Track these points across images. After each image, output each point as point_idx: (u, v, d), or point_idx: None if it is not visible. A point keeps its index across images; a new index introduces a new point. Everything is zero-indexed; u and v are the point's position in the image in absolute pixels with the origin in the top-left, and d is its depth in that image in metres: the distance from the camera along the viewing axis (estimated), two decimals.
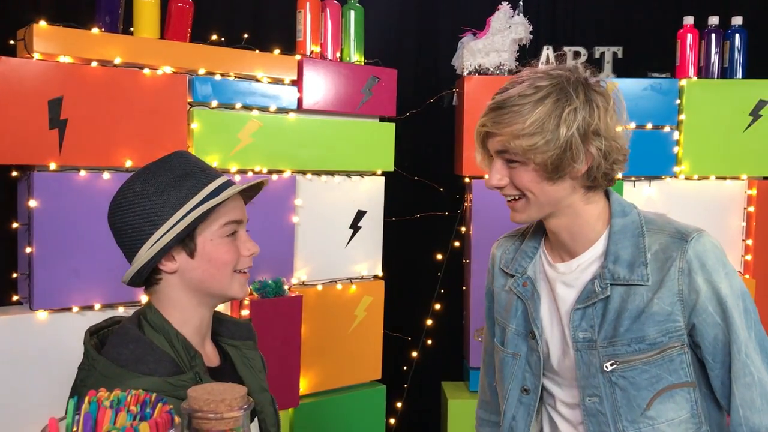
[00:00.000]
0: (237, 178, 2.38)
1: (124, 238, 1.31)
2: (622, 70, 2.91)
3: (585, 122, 1.24)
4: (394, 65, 2.82)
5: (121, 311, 2.17)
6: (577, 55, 2.90)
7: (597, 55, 2.91)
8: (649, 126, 2.87)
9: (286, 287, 2.48)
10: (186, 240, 1.28)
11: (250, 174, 2.42)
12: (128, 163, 2.15)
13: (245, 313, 2.37)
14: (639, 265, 1.29)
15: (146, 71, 2.19)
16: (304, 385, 2.61)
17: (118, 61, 2.13)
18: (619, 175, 2.77)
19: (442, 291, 3.06)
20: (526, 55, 2.94)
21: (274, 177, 2.48)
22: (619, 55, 2.91)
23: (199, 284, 1.33)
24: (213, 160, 2.32)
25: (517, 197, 1.32)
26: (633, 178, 2.89)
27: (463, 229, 3.01)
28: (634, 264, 1.30)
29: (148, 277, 1.34)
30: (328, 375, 2.69)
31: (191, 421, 0.79)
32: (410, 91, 3.16)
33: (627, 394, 1.29)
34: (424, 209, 3.16)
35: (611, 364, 1.29)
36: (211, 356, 1.42)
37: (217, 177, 1.33)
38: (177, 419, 0.69)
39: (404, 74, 2.97)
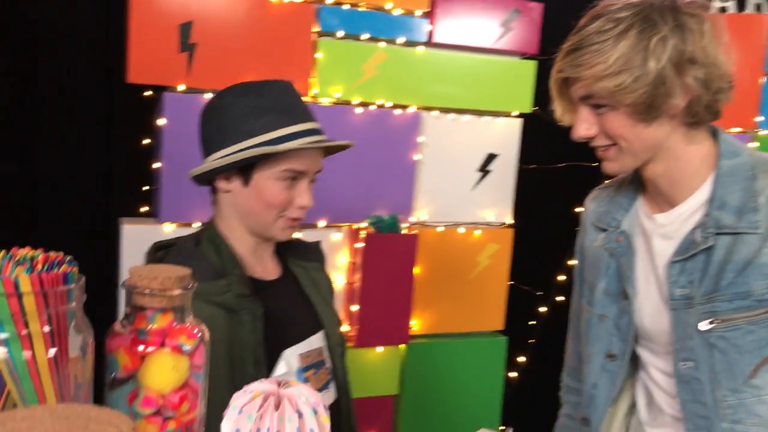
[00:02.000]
0: (358, 110, 2.37)
1: (201, 142, 1.39)
2: None
3: (677, 50, 1.08)
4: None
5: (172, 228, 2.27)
6: None
7: None
8: None
9: (401, 225, 2.46)
10: (244, 168, 1.31)
11: (372, 107, 2.40)
12: None
13: (360, 245, 2.39)
14: (749, 211, 1.12)
15: (273, 0, 2.24)
16: (419, 326, 2.59)
17: None
18: None
19: None
20: None
21: (397, 112, 2.44)
22: None
23: (244, 214, 1.36)
24: (336, 91, 2.33)
25: (608, 146, 1.18)
26: None
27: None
28: (743, 210, 1.12)
29: (212, 187, 1.40)
30: (445, 319, 2.64)
31: (131, 297, 0.80)
32: (561, 29, 2.93)
33: (727, 358, 1.13)
34: (568, 158, 2.95)
35: (710, 323, 1.13)
36: (270, 271, 1.45)
37: (299, 121, 1.33)
38: (81, 279, 0.69)
39: (552, 8, 2.76)
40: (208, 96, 2.19)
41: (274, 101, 1.31)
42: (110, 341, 0.78)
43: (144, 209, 2.32)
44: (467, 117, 2.56)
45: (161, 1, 2.11)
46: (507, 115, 2.64)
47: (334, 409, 1.50)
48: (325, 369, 1.48)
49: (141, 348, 0.77)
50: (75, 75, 2.26)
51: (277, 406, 0.79)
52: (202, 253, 1.35)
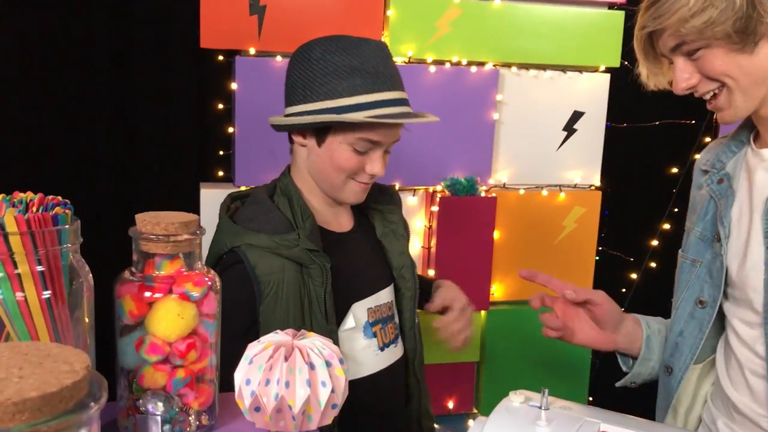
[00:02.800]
0: (432, 69, 2.29)
1: (285, 86, 1.38)
2: None
3: None
4: None
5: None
6: None
7: None
8: None
9: (480, 187, 2.37)
10: (320, 130, 1.30)
11: (447, 65, 2.31)
12: None
13: (435, 209, 2.33)
14: None
15: None
16: (500, 292, 2.50)
17: None
18: None
19: (676, 210, 2.67)
20: None
21: (474, 69, 2.34)
22: None
23: (316, 173, 1.36)
24: (408, 49, 2.26)
25: (716, 92, 1.11)
26: None
27: (708, 139, 2.57)
28: None
29: (289, 136, 1.40)
30: (527, 285, 2.52)
31: (138, 244, 0.79)
32: None
33: None
34: (661, 115, 2.75)
35: None
36: (343, 223, 1.45)
37: (385, 89, 1.30)
38: (76, 225, 0.68)
39: None
40: (279, 60, 2.21)
41: (363, 63, 1.28)
42: (119, 288, 0.77)
43: (220, 174, 2.35)
44: (549, 73, 2.43)
45: None
46: (594, 70, 2.48)
47: (402, 363, 1.48)
48: (393, 324, 1.46)
49: (147, 294, 0.76)
50: (165, 44, 2.30)
51: (288, 357, 0.76)
52: (275, 205, 1.35)
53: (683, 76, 1.11)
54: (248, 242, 1.30)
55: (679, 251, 1.32)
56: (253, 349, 0.77)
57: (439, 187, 2.36)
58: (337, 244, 1.39)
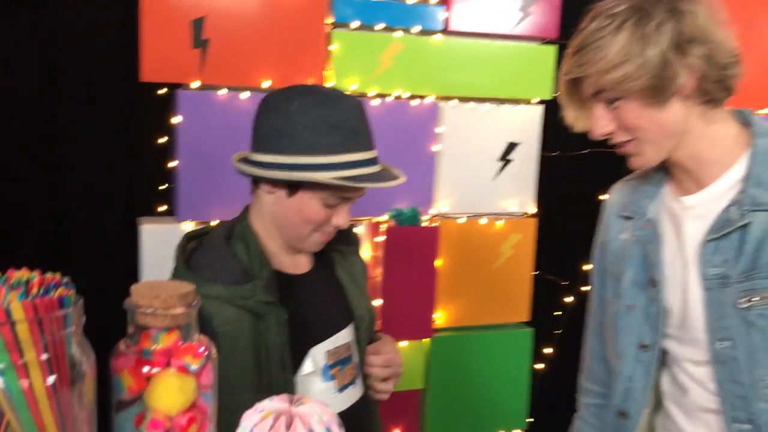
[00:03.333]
0: (376, 102, 2.33)
1: (253, 131, 1.36)
2: None
3: (675, 33, 1.10)
4: None
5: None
6: None
7: None
8: None
9: (422, 217, 2.42)
10: (292, 183, 1.29)
11: (389, 99, 2.35)
12: (266, 84, 2.19)
13: (380, 239, 2.36)
14: None
15: None
16: (443, 319, 2.55)
17: None
18: None
19: None
20: None
21: (415, 102, 2.39)
22: None
23: (281, 221, 1.35)
24: (352, 83, 2.29)
25: (628, 140, 1.18)
26: None
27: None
28: None
29: (254, 181, 1.38)
30: (469, 311, 2.60)
31: (134, 317, 0.77)
32: (579, 11, 2.85)
33: (766, 336, 1.11)
34: (590, 144, 2.87)
35: (748, 301, 1.12)
36: (301, 264, 1.44)
37: (362, 148, 1.30)
38: (79, 302, 0.67)
39: None
40: (223, 93, 2.19)
41: (343, 120, 1.28)
42: (115, 362, 0.76)
43: (162, 208, 2.30)
44: (487, 106, 2.51)
45: None
46: (527, 102, 2.57)
47: (361, 403, 1.49)
48: (352, 365, 1.47)
49: (146, 369, 0.75)
50: (94, 74, 2.24)
51: (289, 426, 0.77)
52: (232, 250, 1.33)
53: (600, 123, 1.18)
54: (204, 292, 1.26)
55: (608, 295, 1.35)
56: (251, 419, 0.77)
57: (383, 218, 2.39)
58: (295, 287, 1.39)
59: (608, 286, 1.35)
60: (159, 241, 2.19)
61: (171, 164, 2.20)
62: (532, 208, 2.65)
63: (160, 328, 0.76)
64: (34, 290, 0.65)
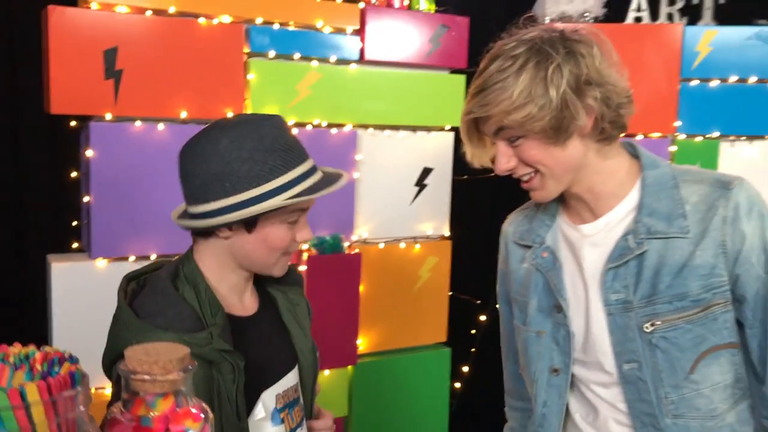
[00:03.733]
0: (295, 131, 2.32)
1: (188, 184, 1.29)
2: (723, 16, 2.62)
3: (573, 75, 1.14)
4: (470, 13, 2.66)
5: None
6: (672, 0, 2.64)
7: (695, 1, 2.64)
8: (753, 80, 2.57)
9: (344, 244, 2.43)
10: (249, 218, 1.26)
11: (308, 128, 2.36)
12: (183, 114, 2.14)
13: (303, 268, 2.34)
14: (677, 217, 1.19)
15: (202, 20, 2.16)
16: (365, 344, 2.56)
17: (172, 10, 2.11)
18: (716, 134, 2.48)
19: None
20: (613, 2, 2.70)
21: (334, 131, 2.41)
22: (721, 1, 2.62)
23: (245, 257, 1.31)
24: (270, 112, 2.27)
25: (531, 174, 1.22)
26: (731, 138, 2.62)
27: None
28: (671, 216, 1.19)
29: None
30: (390, 335, 2.63)
31: (129, 383, 0.74)
32: (486, 42, 2.98)
33: (669, 357, 1.18)
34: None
35: (651, 325, 1.18)
36: (248, 306, 1.40)
37: (303, 159, 1.28)
38: (86, 378, 0.64)
39: (478, 23, 2.80)
40: (138, 125, 2.12)
41: (274, 141, 1.25)
42: (110, 430, 0.72)
43: (74, 245, 2.19)
44: (402, 133, 2.56)
45: (83, 26, 1.99)
46: (440, 129, 2.65)
47: None
48: (299, 406, 1.45)
49: None
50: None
51: None
52: (181, 296, 1.28)
53: (503, 160, 1.21)
54: (157, 341, 1.21)
55: (516, 323, 1.38)
56: None
57: (305, 246, 2.38)
58: (243, 330, 1.35)
59: (516, 314, 1.39)
60: (70, 280, 2.08)
61: (84, 199, 2.10)
62: (447, 231, 2.72)
63: (157, 393, 0.73)
64: (38, 366, 0.62)
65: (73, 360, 0.64)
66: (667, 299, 1.18)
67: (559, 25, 1.22)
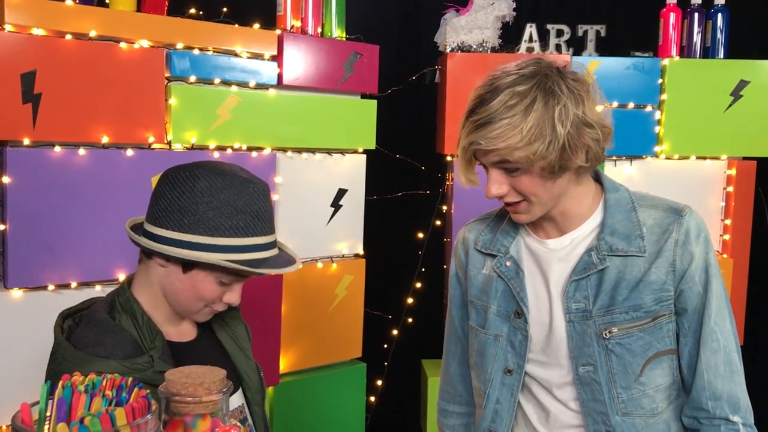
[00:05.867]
0: (216, 155, 2.34)
1: (155, 203, 1.31)
2: (604, 48, 2.90)
3: (576, 115, 1.23)
4: (376, 41, 2.78)
5: (97, 290, 2.13)
6: (560, 33, 2.88)
7: (580, 33, 2.90)
8: (631, 105, 2.86)
9: None
10: (188, 260, 1.27)
11: (228, 151, 2.38)
12: (104, 139, 2.11)
13: None
14: (635, 238, 1.33)
15: (122, 45, 2.14)
16: (284, 364, 2.60)
17: (93, 34, 2.08)
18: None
19: (423, 270, 3.06)
20: (510, 32, 2.92)
21: (254, 154, 2.44)
22: (602, 34, 2.89)
23: (171, 293, 1.33)
24: (191, 137, 2.28)
25: (519, 201, 1.32)
26: (614, 158, 2.89)
27: (445, 207, 3.00)
28: (630, 236, 1.34)
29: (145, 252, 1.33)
30: (309, 353, 2.68)
31: (169, 405, 0.78)
32: (392, 68, 3.13)
33: (623, 361, 1.32)
34: (405, 188, 3.15)
35: (608, 332, 1.32)
36: (186, 331, 1.42)
37: (264, 233, 1.30)
38: (154, 404, 0.67)
39: (386, 50, 2.94)
40: (57, 150, 2.06)
41: (248, 204, 1.27)
42: None
43: None
44: (319, 155, 2.63)
45: (0, 49, 1.93)
46: (354, 151, 2.75)
47: None
48: (247, 425, 1.48)
49: None
50: None
51: None
52: (119, 325, 1.29)
53: (496, 186, 1.30)
54: (98, 370, 1.21)
55: (473, 324, 1.48)
56: None
57: None
58: (182, 356, 1.36)
59: (473, 317, 1.49)
60: None
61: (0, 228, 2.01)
62: (361, 249, 2.81)
63: (197, 414, 0.77)
64: (108, 393, 0.65)
65: (139, 386, 0.67)
66: (624, 310, 1.32)
67: (551, 59, 1.31)
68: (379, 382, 3.07)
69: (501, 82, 1.25)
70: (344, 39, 2.68)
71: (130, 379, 0.68)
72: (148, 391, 0.66)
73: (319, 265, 2.67)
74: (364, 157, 2.77)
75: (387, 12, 3.34)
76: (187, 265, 1.29)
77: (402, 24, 3.37)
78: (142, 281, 1.36)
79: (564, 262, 1.38)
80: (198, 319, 1.39)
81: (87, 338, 1.27)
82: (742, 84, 2.87)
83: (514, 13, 2.93)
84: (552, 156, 1.22)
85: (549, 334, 1.38)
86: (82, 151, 2.08)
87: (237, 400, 1.46)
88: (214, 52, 2.34)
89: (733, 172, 2.92)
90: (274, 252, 1.35)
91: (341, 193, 2.72)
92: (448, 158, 2.88)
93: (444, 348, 1.62)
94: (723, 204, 2.95)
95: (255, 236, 1.28)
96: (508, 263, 1.43)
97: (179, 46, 2.26)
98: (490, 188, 1.31)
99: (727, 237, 2.94)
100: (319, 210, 2.67)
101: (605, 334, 1.32)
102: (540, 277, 1.41)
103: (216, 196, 1.25)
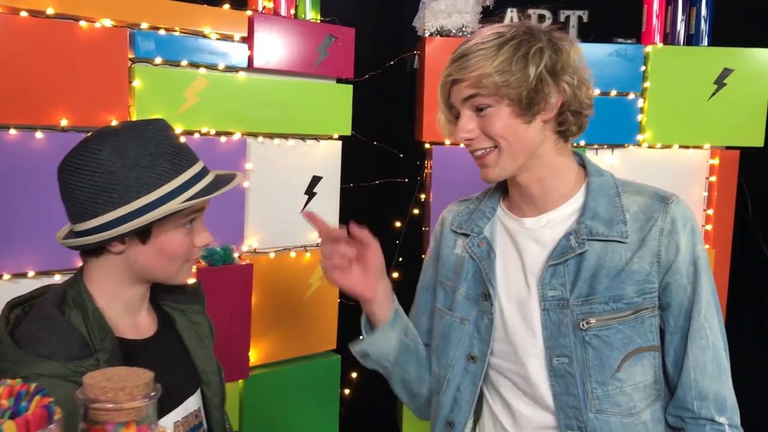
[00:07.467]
0: (183, 140, 2.24)
1: (72, 201, 1.21)
2: (587, 34, 2.83)
3: (552, 60, 1.23)
4: (355, 25, 2.69)
5: (56, 279, 2.05)
6: (541, 18, 2.81)
7: (562, 19, 2.83)
8: (614, 93, 2.80)
9: (235, 255, 2.38)
10: (141, 228, 1.19)
11: (196, 135, 2.29)
12: (63, 122, 2.01)
13: (192, 281, 2.26)
14: (618, 223, 1.27)
15: (83, 23, 2.04)
16: (255, 356, 2.52)
17: (50, 11, 1.98)
18: (582, 143, 2.69)
19: (401, 259, 2.98)
20: (490, 16, 2.84)
21: (223, 139, 2.36)
22: (585, 20, 2.83)
23: (143, 269, 1.25)
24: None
25: (487, 150, 1.27)
26: (596, 146, 2.83)
27: (423, 196, 2.93)
28: (612, 221, 1.28)
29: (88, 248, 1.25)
30: (281, 345, 2.61)
31: (87, 412, 0.70)
32: (371, 53, 3.03)
33: (599, 354, 1.25)
34: (382, 175, 3.06)
35: (586, 323, 1.25)
36: (144, 327, 1.34)
37: (192, 162, 1.24)
38: (58, 413, 0.60)
39: (365, 34, 2.85)
40: (13, 132, 1.96)
41: (160, 145, 1.20)
42: None
43: None
44: (292, 141, 2.55)
45: None
46: (329, 138, 2.67)
47: None
48: (202, 431, 1.40)
49: None
50: None
51: None
52: (66, 320, 1.20)
53: (466, 127, 1.27)
54: (38, 372, 1.11)
55: (440, 306, 1.42)
56: None
57: None
58: (138, 354, 1.28)
59: (441, 299, 1.43)
60: None
61: None
62: None
63: (119, 423, 0.70)
64: (4, 402, 0.57)
65: (42, 393, 0.59)
66: (603, 300, 1.25)
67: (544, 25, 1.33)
68: (354, 375, 3.01)
69: (491, 27, 1.29)
70: (319, 21, 2.59)
71: (33, 385, 0.60)
72: (50, 399, 0.58)
73: (292, 254, 2.59)
74: (339, 143, 2.69)
75: None
76: (144, 234, 1.21)
77: (383, 7, 3.27)
78: (96, 274, 1.27)
79: (540, 245, 1.32)
80: (182, 279, 1.31)
81: (31, 334, 1.18)
82: (726, 72, 2.81)
83: None
84: (522, 88, 1.22)
85: (522, 322, 1.31)
86: (39, 134, 1.99)
87: (194, 402, 1.39)
88: (181, 32, 2.25)
89: (716, 161, 2.87)
90: (211, 177, 1.29)
91: (315, 180, 2.64)
92: (427, 145, 2.81)
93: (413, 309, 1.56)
94: (706, 194, 2.90)
95: (186, 170, 1.22)
96: (480, 244, 1.38)
97: (144, 25, 2.16)
98: (458, 130, 1.29)
99: (709, 227, 2.89)
100: (292, 198, 2.59)
101: (582, 325, 1.25)
102: (515, 259, 1.34)
103: (125, 155, 1.17)
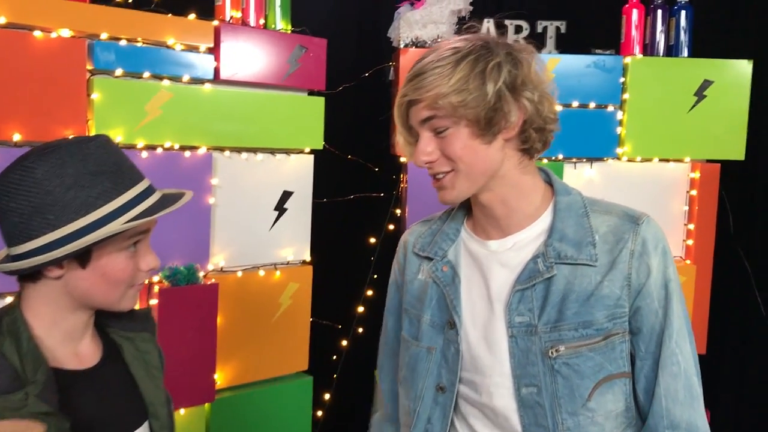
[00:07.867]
0: (144, 154, 2.16)
1: (6, 222, 1.13)
2: (565, 45, 2.77)
3: (512, 75, 1.16)
4: (332, 36, 2.62)
5: (8, 301, 1.94)
6: (518, 29, 2.75)
7: (539, 30, 2.77)
8: (592, 105, 2.74)
9: (199, 274, 2.29)
10: (80, 251, 1.10)
11: (159, 150, 2.21)
12: (16, 137, 1.92)
13: (154, 302, 2.18)
14: (586, 245, 1.21)
15: (38, 34, 1.95)
16: (222, 379, 2.43)
17: (2, 21, 1.89)
18: (561, 156, 2.63)
19: (375, 276, 2.90)
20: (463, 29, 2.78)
21: (187, 153, 2.27)
22: (563, 30, 2.77)
23: (83, 295, 1.16)
24: (116, 135, 2.10)
25: (445, 173, 1.21)
26: (574, 160, 2.77)
27: (398, 211, 2.85)
28: (581, 243, 1.21)
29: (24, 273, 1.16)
30: (250, 367, 2.52)
31: None
32: (349, 64, 2.97)
33: (570, 383, 1.18)
34: (357, 190, 2.98)
35: (555, 351, 1.18)
36: (87, 356, 1.25)
37: (137, 180, 1.16)
38: None
39: (340, 45, 2.78)
40: None
41: (100, 163, 1.12)
42: None
43: None
44: (261, 155, 2.47)
45: None
46: (300, 151, 2.59)
47: None
48: None
49: None
50: None
51: None
52: (0, 351, 1.11)
53: (426, 150, 1.20)
54: None
55: (406, 335, 1.34)
56: None
57: (156, 278, 2.22)
58: (78, 385, 1.20)
59: (406, 327, 1.35)
60: None
61: None
62: (308, 256, 2.65)
63: None
64: None
65: None
66: (573, 326, 1.18)
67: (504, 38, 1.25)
68: (327, 396, 2.91)
69: (447, 42, 1.22)
70: (289, 32, 2.51)
71: None
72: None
73: (261, 272, 2.50)
74: (311, 157, 2.61)
75: (345, 6, 3.18)
76: (83, 258, 1.13)
77: (360, 18, 3.21)
78: (34, 301, 1.18)
79: (506, 269, 1.24)
80: (127, 305, 1.22)
81: None
82: (706, 84, 2.76)
83: (471, 8, 2.79)
84: (480, 108, 1.15)
85: (488, 350, 1.23)
86: None
87: None
88: (143, 43, 2.17)
89: (696, 175, 2.81)
90: (157, 196, 1.20)
91: (286, 195, 2.55)
92: (403, 159, 2.74)
93: (378, 363, 1.49)
94: (686, 208, 2.85)
95: (129, 189, 1.14)
96: (444, 268, 1.30)
97: (104, 36, 2.08)
98: (418, 153, 1.21)
99: (690, 242, 2.83)
100: (262, 214, 2.50)
101: (551, 353, 1.18)
102: (480, 284, 1.26)
103: (63, 174, 1.09)
